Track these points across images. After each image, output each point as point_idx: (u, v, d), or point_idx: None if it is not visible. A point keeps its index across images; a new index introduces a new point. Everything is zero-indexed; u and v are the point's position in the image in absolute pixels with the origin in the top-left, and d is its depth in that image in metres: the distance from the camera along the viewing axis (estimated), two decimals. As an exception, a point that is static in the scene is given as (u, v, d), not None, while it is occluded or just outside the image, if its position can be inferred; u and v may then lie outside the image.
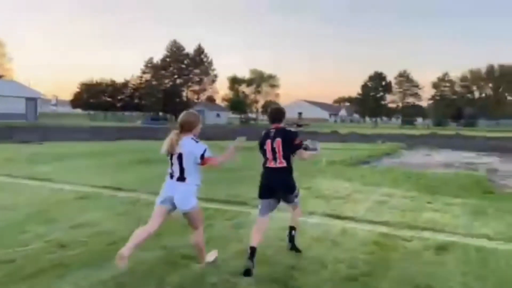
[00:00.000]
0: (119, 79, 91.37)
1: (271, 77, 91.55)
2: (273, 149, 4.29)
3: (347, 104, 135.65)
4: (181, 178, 3.74)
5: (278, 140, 4.29)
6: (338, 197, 7.87)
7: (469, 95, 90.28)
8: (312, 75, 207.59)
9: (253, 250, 4.10)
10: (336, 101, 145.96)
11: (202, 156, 3.69)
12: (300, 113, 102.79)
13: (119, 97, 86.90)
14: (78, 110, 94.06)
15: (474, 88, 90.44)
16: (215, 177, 8.47)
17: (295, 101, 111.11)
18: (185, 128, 3.79)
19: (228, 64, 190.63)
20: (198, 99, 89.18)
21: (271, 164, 4.33)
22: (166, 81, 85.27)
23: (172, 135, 3.74)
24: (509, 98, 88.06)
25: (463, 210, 7.05)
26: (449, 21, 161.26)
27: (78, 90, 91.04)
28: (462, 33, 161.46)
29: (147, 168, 10.91)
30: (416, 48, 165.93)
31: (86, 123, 55.61)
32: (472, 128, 68.20)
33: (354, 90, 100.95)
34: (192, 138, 3.78)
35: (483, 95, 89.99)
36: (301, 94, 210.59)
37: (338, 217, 6.38)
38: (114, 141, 22.50)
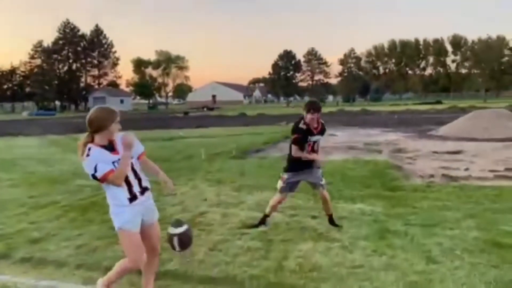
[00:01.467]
0: (5, 65, 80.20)
1: (179, 58, 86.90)
2: None
3: (261, 85, 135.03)
4: None
5: None
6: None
7: (374, 71, 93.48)
8: (225, 57, 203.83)
9: None
10: (250, 82, 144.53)
11: (94, 177, 2.73)
12: (214, 96, 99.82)
13: (5, 86, 76.42)
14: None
15: (379, 63, 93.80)
16: None
17: (208, 83, 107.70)
18: (91, 129, 2.78)
19: (133, 46, 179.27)
20: (99, 84, 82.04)
21: None
22: (60, 66, 76.97)
23: (82, 138, 2.81)
24: (410, 72, 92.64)
25: (354, 234, 4.66)
26: None
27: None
28: (366, 8, 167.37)
29: None
30: (324, 26, 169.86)
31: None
32: (378, 103, 70.37)
33: (267, 70, 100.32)
34: (91, 148, 2.71)
35: (387, 70, 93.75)
36: (215, 77, 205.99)
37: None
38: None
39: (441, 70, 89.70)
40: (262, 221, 4.82)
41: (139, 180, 2.87)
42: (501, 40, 75.95)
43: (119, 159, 2.75)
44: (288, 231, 4.63)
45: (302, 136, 4.53)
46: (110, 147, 2.79)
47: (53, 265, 3.73)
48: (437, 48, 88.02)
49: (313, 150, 4.62)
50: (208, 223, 5.00)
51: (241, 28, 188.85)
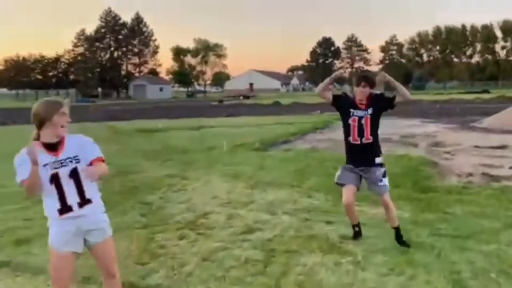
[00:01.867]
0: (50, 53, 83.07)
1: (217, 46, 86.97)
2: None
3: (300, 72, 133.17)
4: None
5: None
6: (180, 227, 4.68)
7: (417, 58, 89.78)
8: (263, 45, 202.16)
9: None
10: (289, 70, 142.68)
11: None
12: (251, 84, 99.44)
13: (50, 74, 79.28)
14: (4, 90, 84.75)
15: (422, 51, 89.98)
16: None
17: (246, 72, 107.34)
18: (35, 125, 2.36)
19: (172, 33, 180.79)
20: (140, 72, 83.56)
21: None
22: (102, 54, 78.88)
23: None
24: (455, 60, 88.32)
25: (372, 245, 4.09)
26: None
27: (0, 67, 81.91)
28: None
29: None
30: (364, 12, 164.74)
31: (7, 104, 49.76)
32: (420, 91, 67.43)
33: (306, 58, 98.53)
34: (29, 148, 2.21)
35: (431, 57, 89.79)
36: (253, 65, 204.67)
37: None
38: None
39: (490, 57, 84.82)
40: (356, 234, 4.14)
41: (81, 191, 2.39)
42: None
43: (54, 161, 2.31)
44: (294, 239, 4.12)
45: (338, 97, 4.03)
46: (53, 145, 2.35)
47: (30, 272, 3.42)
48: (486, 34, 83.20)
49: (361, 132, 3.86)
50: (209, 225, 4.57)
51: (279, 15, 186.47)
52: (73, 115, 2.48)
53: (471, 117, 18.64)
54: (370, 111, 3.89)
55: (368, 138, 3.89)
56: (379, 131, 4.02)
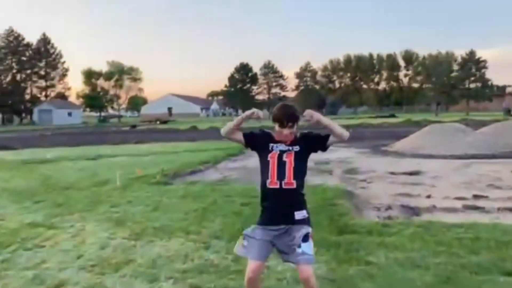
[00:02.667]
0: None
1: (132, 69, 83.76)
2: None
3: (221, 98, 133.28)
4: None
5: None
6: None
7: (330, 85, 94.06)
8: (182, 69, 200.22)
9: None
10: (209, 95, 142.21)
11: None
12: (170, 109, 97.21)
13: None
14: None
15: (335, 77, 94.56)
16: None
17: (164, 96, 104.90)
18: None
19: (83, 56, 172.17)
20: (47, 96, 77.48)
21: None
22: (3, 77, 72.00)
23: None
24: (364, 86, 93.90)
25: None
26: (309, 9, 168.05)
27: None
28: (321, 22, 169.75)
29: None
30: (280, 39, 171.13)
31: None
32: (333, 116, 70.28)
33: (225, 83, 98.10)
34: None
35: (342, 84, 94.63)
36: (173, 90, 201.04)
37: None
38: None
39: (394, 84, 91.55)
40: None
41: None
42: (450, 56, 78.44)
43: None
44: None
45: (252, 135, 3.00)
46: None
47: None
48: (390, 63, 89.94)
49: (282, 172, 2.80)
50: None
51: (198, 40, 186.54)
52: None
53: (381, 141, 18.93)
54: (296, 148, 2.89)
55: (290, 183, 2.80)
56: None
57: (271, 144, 2.90)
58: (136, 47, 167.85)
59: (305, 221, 2.87)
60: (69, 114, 69.59)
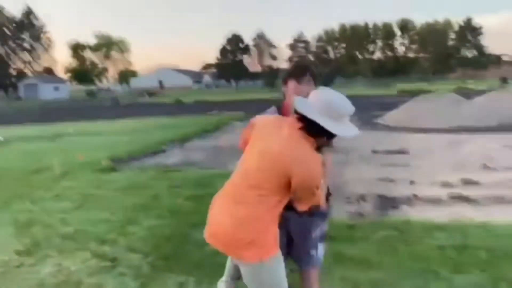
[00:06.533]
0: None
1: (121, 41, 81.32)
2: None
3: (214, 70, 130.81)
4: None
5: None
6: None
7: (325, 55, 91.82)
8: (175, 42, 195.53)
9: None
10: (203, 67, 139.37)
11: None
12: (161, 82, 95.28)
13: None
14: None
15: (329, 48, 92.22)
16: None
17: (155, 69, 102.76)
18: None
19: (70, 30, 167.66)
20: (33, 71, 75.33)
21: None
22: (-14, 51, 69.71)
23: None
24: (360, 56, 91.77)
25: None
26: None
27: None
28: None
29: None
30: (272, 10, 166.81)
31: None
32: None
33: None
34: None
35: (338, 54, 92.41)
36: (165, 62, 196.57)
37: None
38: None
39: (389, 53, 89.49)
40: None
41: None
42: (447, 24, 76.37)
43: None
44: None
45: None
46: None
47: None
48: (386, 31, 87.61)
49: None
50: None
51: (192, 11, 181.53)
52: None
53: (374, 112, 17.88)
54: None
55: None
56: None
57: None
58: (125, 19, 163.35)
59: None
60: (56, 88, 67.51)
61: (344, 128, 1.92)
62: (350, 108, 1.96)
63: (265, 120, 2.09)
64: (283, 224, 2.16)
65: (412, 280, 3.13)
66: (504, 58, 77.78)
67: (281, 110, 2.40)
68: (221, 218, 1.96)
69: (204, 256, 3.65)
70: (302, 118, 1.90)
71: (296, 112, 1.93)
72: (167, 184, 6.35)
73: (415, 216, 4.57)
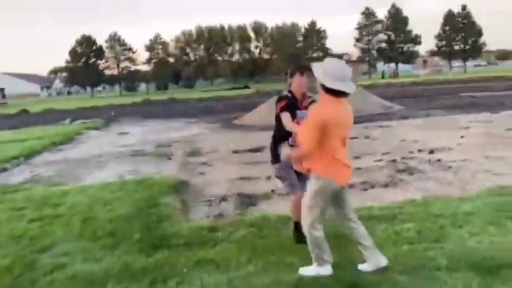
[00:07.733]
0: None
1: None
2: None
3: (64, 74, 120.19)
4: None
5: None
6: None
7: (185, 57, 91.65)
8: (18, 46, 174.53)
9: None
10: (52, 72, 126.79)
11: None
12: (2, 89, 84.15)
13: None
14: None
15: (189, 50, 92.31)
16: None
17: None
18: None
19: None
20: None
21: None
22: None
23: None
24: (219, 58, 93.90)
25: None
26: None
27: None
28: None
29: None
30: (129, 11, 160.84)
31: None
32: (189, 90, 68.96)
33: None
34: None
35: (197, 56, 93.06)
36: (6, 67, 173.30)
37: None
38: None
39: (247, 56, 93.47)
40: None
41: None
42: (295, 27, 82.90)
43: None
44: None
45: (289, 104, 3.53)
46: None
47: None
48: (241, 34, 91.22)
49: None
50: None
51: (32, 14, 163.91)
52: None
53: (234, 113, 18.43)
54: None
55: None
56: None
57: (296, 111, 3.54)
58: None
59: None
60: None
61: (348, 86, 2.92)
62: (349, 72, 2.95)
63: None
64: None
65: (267, 274, 3.23)
66: (345, 58, 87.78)
67: (292, 94, 3.62)
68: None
69: (53, 281, 3.31)
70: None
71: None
72: (8, 206, 5.59)
73: (271, 212, 4.78)
